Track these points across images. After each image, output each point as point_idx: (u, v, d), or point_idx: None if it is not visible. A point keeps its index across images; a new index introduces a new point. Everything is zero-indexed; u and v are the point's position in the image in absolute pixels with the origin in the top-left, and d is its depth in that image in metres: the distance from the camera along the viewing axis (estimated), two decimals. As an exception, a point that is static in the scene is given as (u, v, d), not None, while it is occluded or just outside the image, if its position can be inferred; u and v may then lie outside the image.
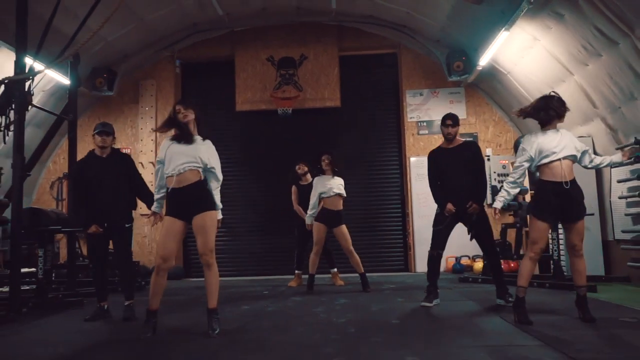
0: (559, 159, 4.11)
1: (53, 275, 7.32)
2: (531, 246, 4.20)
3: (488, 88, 9.35)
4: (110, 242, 5.06)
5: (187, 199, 4.00)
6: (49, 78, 8.15)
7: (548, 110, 4.20)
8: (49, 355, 3.54)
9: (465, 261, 8.98)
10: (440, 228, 5.21)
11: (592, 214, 7.05)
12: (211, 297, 4.03)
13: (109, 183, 4.92)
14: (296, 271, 7.46)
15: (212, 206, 4.08)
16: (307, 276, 6.86)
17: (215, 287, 4.04)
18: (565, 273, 6.83)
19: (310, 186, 6.98)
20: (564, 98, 7.29)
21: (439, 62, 9.30)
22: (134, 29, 8.87)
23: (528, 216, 4.15)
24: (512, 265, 8.43)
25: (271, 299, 6.07)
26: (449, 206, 5.12)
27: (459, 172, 5.20)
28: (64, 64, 7.31)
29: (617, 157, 4.34)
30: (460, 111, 9.66)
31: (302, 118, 9.83)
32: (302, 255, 7.40)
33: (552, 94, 4.32)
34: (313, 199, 6.68)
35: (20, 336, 4.32)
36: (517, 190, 4.47)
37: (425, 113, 9.69)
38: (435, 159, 5.43)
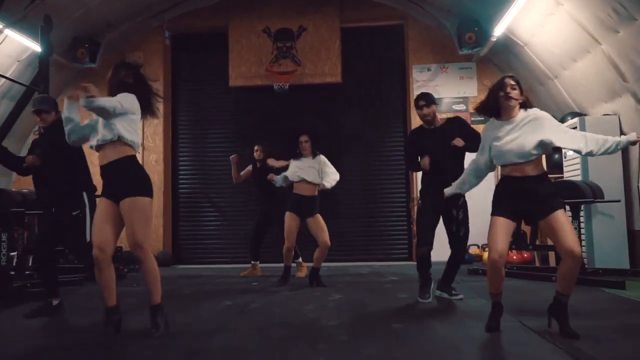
0: None
1: (29, 262, 6.75)
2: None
3: (502, 62, 8.59)
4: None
5: (111, 178, 3.37)
6: (23, 47, 7.47)
7: None
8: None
9: (474, 250, 8.31)
10: (424, 220, 4.65)
11: (618, 201, 6.36)
12: (152, 293, 3.40)
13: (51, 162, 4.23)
14: (252, 262, 6.85)
15: (142, 191, 3.39)
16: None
17: (153, 282, 3.39)
18: (586, 266, 6.17)
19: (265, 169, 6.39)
20: (588, 71, 6.63)
21: (448, 34, 8.55)
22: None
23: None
24: (526, 256, 7.77)
25: (259, 292, 5.43)
26: (424, 161, 4.57)
27: (439, 155, 4.57)
28: (34, 29, 6.66)
29: (632, 135, 3.26)
30: (471, 88, 9.00)
31: (299, 94, 9.13)
32: (260, 242, 6.84)
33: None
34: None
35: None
36: None
37: (433, 90, 8.80)
38: (414, 140, 4.91)
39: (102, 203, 3.41)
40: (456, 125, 4.85)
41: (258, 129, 9.04)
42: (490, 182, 8.42)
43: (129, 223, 3.30)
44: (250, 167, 7.00)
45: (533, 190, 3.25)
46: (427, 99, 4.77)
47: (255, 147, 6.83)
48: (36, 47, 7.14)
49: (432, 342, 3.28)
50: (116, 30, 9.00)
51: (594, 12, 5.83)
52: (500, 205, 3.35)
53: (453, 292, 4.82)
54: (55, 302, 4.22)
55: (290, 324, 3.81)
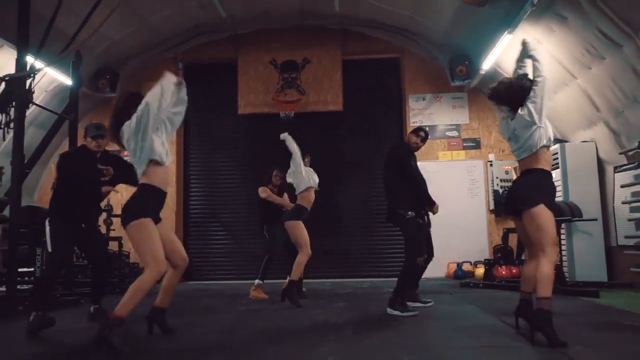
0: None
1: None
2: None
3: (491, 93, 9.30)
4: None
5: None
6: (51, 78, 8.16)
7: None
8: (33, 354, 3.49)
9: (466, 267, 8.90)
10: (419, 233, 4.98)
11: (596, 219, 6.99)
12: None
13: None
14: (258, 281, 6.45)
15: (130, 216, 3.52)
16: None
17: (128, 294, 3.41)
18: (567, 279, 6.76)
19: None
20: (567, 102, 7.32)
21: (441, 67, 9.28)
22: (136, 30, 8.89)
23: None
24: (514, 271, 8.33)
25: (267, 302, 6.00)
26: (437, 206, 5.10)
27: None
28: (66, 64, 7.33)
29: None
30: (463, 116, 9.66)
31: (304, 122, 9.79)
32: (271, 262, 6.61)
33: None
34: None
35: (11, 334, 4.27)
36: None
37: (428, 118, 9.64)
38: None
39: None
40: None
41: (265, 154, 9.68)
42: (481, 204, 9.12)
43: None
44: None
45: None
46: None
47: (275, 172, 6.88)
48: (65, 80, 7.83)
49: (428, 334, 3.86)
50: (134, 62, 9.73)
51: (570, 51, 6.55)
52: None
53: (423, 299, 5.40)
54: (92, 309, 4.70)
55: (302, 322, 4.41)
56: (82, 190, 4.63)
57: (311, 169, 6.22)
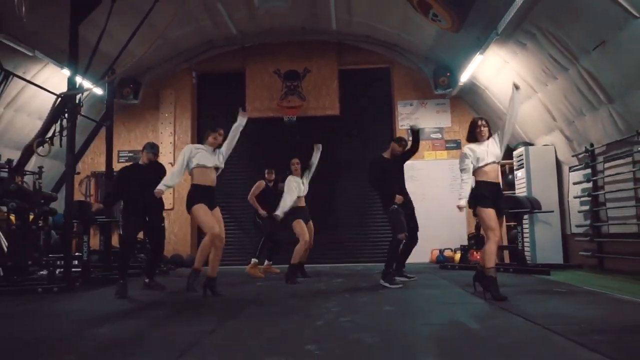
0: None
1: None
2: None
3: (470, 100, 10.56)
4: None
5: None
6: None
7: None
8: (112, 308, 4.73)
9: (448, 253, 10.15)
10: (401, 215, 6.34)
11: (552, 211, 8.27)
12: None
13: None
14: (254, 260, 7.99)
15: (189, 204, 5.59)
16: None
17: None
18: (528, 261, 8.04)
19: (271, 188, 8.21)
20: (531, 112, 8.58)
21: (426, 77, 10.52)
22: (157, 45, 10.04)
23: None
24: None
25: (274, 280, 7.25)
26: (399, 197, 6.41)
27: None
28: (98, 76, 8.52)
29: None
30: (445, 120, 10.90)
31: (305, 125, 11.02)
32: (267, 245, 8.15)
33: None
34: (293, 196, 7.12)
35: (85, 299, 5.52)
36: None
37: (414, 121, 10.86)
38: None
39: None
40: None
41: (270, 153, 10.91)
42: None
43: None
44: (261, 184, 8.53)
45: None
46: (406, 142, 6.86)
47: (267, 170, 8.54)
48: (97, 90, 9.02)
49: (407, 296, 5.14)
50: (153, 72, 10.92)
51: (531, 70, 7.79)
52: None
53: (408, 275, 6.72)
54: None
55: (307, 292, 5.68)
56: (138, 194, 6.00)
57: (300, 180, 7.43)
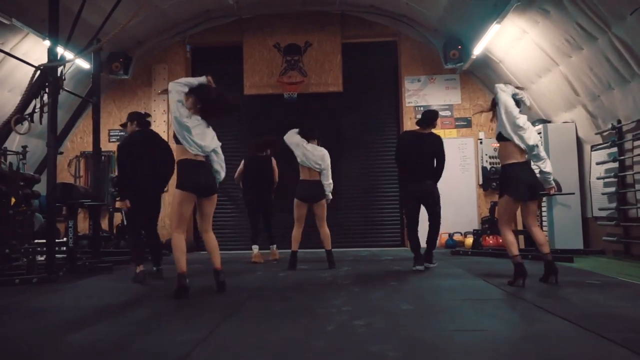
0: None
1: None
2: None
3: (482, 75, 9.94)
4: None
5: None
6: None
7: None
8: (96, 305, 4.19)
9: (457, 237, 9.65)
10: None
11: (573, 193, 7.72)
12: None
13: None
14: (256, 245, 7.54)
15: None
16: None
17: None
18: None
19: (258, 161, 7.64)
20: (550, 86, 7.97)
21: (436, 51, 9.87)
22: (149, 16, 9.39)
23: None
24: (500, 240, 9.10)
25: (279, 267, 6.72)
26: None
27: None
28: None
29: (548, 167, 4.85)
30: (455, 97, 10.28)
31: (306, 102, 10.42)
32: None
33: None
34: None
35: (67, 292, 4.98)
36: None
37: (422, 98, 10.28)
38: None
39: None
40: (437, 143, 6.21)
41: (270, 132, 10.29)
42: (471, 179, 9.83)
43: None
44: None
45: None
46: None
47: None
48: (84, 65, 8.40)
49: (424, 290, 4.61)
50: (145, 46, 10.25)
51: (552, 41, 7.17)
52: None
53: (434, 260, 6.24)
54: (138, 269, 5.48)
55: (311, 284, 5.14)
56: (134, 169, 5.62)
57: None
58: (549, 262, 4.71)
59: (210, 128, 4.68)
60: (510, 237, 4.77)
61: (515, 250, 4.67)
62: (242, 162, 7.87)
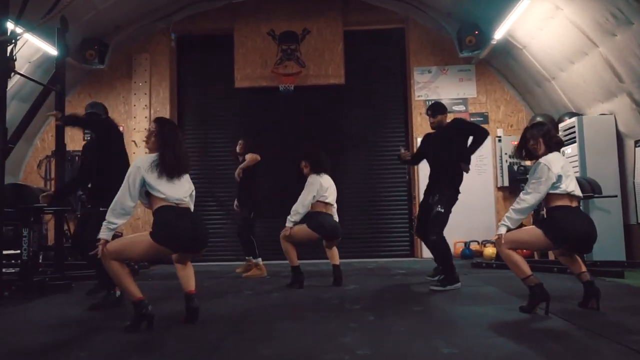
0: None
1: (40, 258, 6.89)
2: None
3: (500, 65, 8.90)
4: None
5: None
6: (35, 48, 7.64)
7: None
8: (40, 343, 3.10)
9: (474, 246, 8.58)
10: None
11: (615, 196, 6.66)
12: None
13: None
14: (256, 259, 6.65)
15: None
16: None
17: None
18: (584, 258, 6.43)
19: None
20: (585, 73, 6.93)
21: (449, 37, 8.83)
22: (128, -1, 8.34)
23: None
24: (525, 251, 8.03)
25: (273, 284, 5.63)
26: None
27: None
28: (51, 33, 6.82)
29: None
30: (470, 89, 9.26)
31: (304, 95, 9.37)
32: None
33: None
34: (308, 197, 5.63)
35: (6, 320, 3.88)
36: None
37: (433, 91, 9.23)
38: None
39: None
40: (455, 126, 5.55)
41: (264, 129, 9.26)
42: (489, 181, 8.78)
43: None
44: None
45: None
46: (432, 110, 5.52)
47: (240, 141, 7.13)
48: (50, 50, 7.32)
49: (459, 320, 3.51)
50: (124, 32, 9.16)
51: (593, 17, 6.13)
52: None
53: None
54: (118, 293, 4.32)
55: (316, 307, 4.05)
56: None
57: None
58: (589, 282, 3.79)
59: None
60: (514, 256, 3.72)
61: (526, 269, 3.70)
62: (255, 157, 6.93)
